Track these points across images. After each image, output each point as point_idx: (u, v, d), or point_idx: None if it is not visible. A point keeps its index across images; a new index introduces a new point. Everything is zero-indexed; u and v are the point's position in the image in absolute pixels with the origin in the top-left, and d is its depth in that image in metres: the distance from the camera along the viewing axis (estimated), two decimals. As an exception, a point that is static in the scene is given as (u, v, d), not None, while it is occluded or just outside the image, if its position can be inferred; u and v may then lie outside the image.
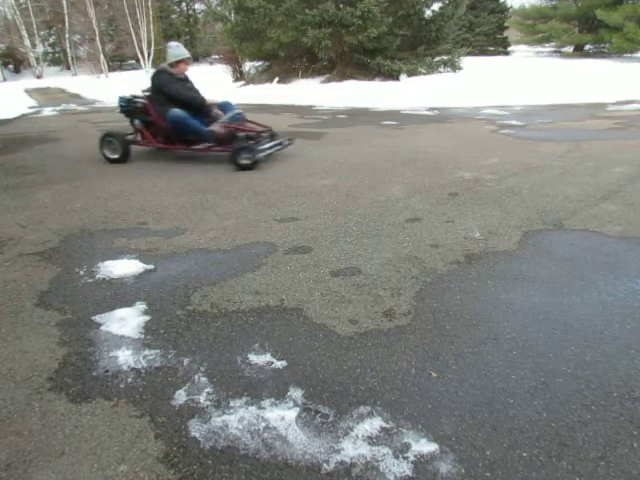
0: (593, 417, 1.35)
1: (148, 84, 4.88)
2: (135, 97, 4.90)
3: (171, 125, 4.63)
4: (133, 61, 33.64)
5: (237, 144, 4.58)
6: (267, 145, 4.60)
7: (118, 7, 30.62)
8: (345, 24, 12.65)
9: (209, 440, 1.29)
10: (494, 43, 26.20)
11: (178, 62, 4.71)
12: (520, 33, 26.76)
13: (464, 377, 1.52)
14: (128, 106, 4.87)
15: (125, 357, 1.65)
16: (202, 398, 1.45)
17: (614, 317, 1.85)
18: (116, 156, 4.79)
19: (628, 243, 2.56)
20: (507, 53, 26.65)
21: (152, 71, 4.88)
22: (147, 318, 1.89)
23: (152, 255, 2.51)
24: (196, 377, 1.54)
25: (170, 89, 4.61)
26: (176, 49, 4.76)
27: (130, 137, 4.97)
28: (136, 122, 4.89)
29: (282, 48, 14.25)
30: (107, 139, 4.83)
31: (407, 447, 1.26)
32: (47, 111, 10.90)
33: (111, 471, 1.20)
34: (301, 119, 8.08)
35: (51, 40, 36.95)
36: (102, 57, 29.76)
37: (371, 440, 1.28)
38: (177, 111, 4.55)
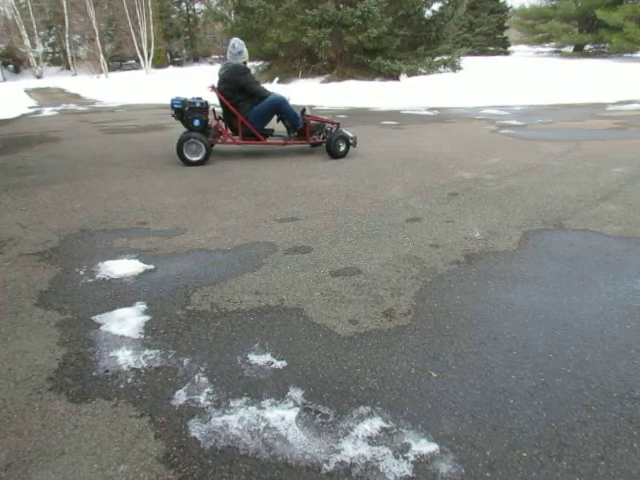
0: (593, 417, 1.35)
1: (212, 80, 4.85)
2: (195, 98, 4.67)
3: (266, 109, 4.72)
4: (133, 61, 33.63)
5: (334, 134, 4.85)
6: (350, 135, 4.88)
7: (118, 7, 30.62)
8: (345, 24, 12.65)
9: (209, 440, 1.29)
10: (494, 43, 26.20)
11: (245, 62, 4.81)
12: (520, 33, 26.79)
13: (464, 377, 1.52)
14: (183, 107, 4.57)
15: (125, 357, 1.65)
16: (202, 398, 1.45)
17: (614, 317, 1.85)
18: (198, 158, 4.58)
19: (628, 243, 2.56)
20: (507, 53, 26.65)
21: (227, 66, 4.75)
22: (147, 318, 1.89)
23: (152, 255, 2.51)
24: (196, 377, 1.54)
25: (257, 89, 4.72)
26: (243, 47, 4.79)
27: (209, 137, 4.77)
28: (201, 121, 4.60)
29: (282, 48, 14.26)
30: (189, 141, 4.53)
31: (407, 447, 1.26)
32: (47, 111, 10.89)
33: (111, 471, 1.20)
34: (301, 119, 8.06)
35: (51, 40, 36.91)
36: (102, 57, 29.75)
37: (371, 440, 1.28)
38: (279, 94, 4.77)
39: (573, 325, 1.80)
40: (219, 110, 4.92)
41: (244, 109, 4.71)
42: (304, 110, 5.02)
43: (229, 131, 4.86)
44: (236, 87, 4.65)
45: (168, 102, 4.75)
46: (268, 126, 4.93)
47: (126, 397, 1.46)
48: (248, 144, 4.93)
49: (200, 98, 4.65)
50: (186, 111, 4.57)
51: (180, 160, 4.59)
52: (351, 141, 4.85)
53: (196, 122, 4.56)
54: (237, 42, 4.79)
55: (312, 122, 4.97)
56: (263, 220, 3.03)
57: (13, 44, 32.20)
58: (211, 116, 4.85)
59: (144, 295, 2.08)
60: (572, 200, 3.30)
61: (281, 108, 4.77)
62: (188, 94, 4.95)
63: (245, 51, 4.80)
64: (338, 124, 5.07)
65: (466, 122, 7.52)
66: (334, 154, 4.82)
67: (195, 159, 4.60)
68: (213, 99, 4.77)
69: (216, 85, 4.74)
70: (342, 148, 4.84)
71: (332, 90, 12.50)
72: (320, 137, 5.02)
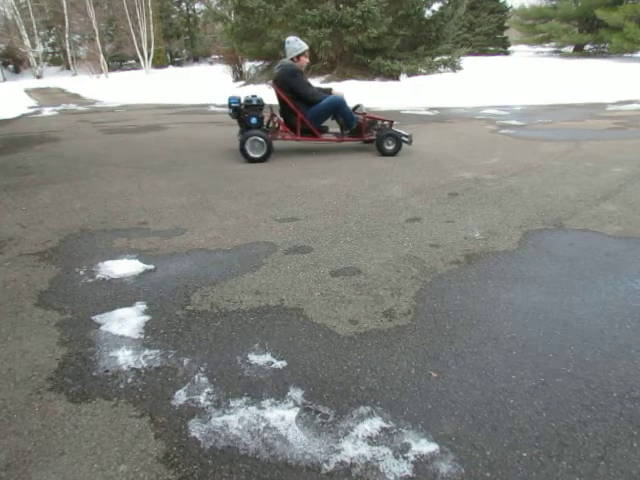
0: (593, 417, 1.35)
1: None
2: (251, 96, 4.77)
3: (324, 109, 4.76)
4: (133, 61, 33.66)
5: (382, 131, 4.88)
6: (405, 133, 4.90)
7: (118, 7, 30.66)
8: (345, 24, 12.63)
9: (209, 440, 1.29)
10: (494, 43, 26.17)
11: (299, 56, 4.78)
12: (520, 33, 26.75)
13: (464, 377, 1.52)
14: (240, 105, 4.69)
15: (125, 357, 1.65)
16: (202, 398, 1.45)
17: (614, 317, 1.85)
18: (260, 155, 4.65)
19: (628, 243, 2.56)
20: (507, 53, 26.62)
21: (282, 65, 4.80)
22: (147, 318, 1.89)
23: (152, 255, 2.51)
24: (196, 377, 1.54)
25: (307, 93, 4.73)
26: (295, 43, 4.78)
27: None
28: (254, 118, 4.66)
29: (282, 48, 14.24)
30: (253, 138, 4.61)
31: (407, 447, 1.26)
32: (47, 111, 10.89)
33: (111, 471, 1.20)
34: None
35: (51, 40, 36.95)
36: (102, 57, 29.76)
37: (371, 440, 1.28)
38: (337, 97, 4.81)
39: (573, 325, 1.80)
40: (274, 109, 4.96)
41: (300, 107, 4.75)
42: (357, 106, 5.05)
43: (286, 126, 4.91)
44: (287, 87, 4.70)
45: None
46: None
47: (126, 397, 1.46)
48: (305, 140, 4.99)
49: (255, 96, 4.74)
50: (243, 109, 4.64)
51: (243, 157, 4.63)
52: (406, 139, 4.86)
53: (253, 120, 4.65)
54: (290, 39, 4.85)
55: (367, 119, 4.99)
56: (263, 220, 3.03)
57: (13, 44, 32.23)
58: (267, 113, 4.88)
59: (144, 295, 2.08)
60: (572, 200, 3.30)
61: (339, 110, 4.83)
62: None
63: (295, 46, 4.76)
64: (392, 122, 5.08)
65: (466, 122, 7.52)
66: (382, 151, 4.85)
67: (258, 156, 4.64)
68: (268, 97, 4.77)
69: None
70: (391, 146, 4.85)
71: (332, 90, 12.49)
72: (374, 134, 5.03)
